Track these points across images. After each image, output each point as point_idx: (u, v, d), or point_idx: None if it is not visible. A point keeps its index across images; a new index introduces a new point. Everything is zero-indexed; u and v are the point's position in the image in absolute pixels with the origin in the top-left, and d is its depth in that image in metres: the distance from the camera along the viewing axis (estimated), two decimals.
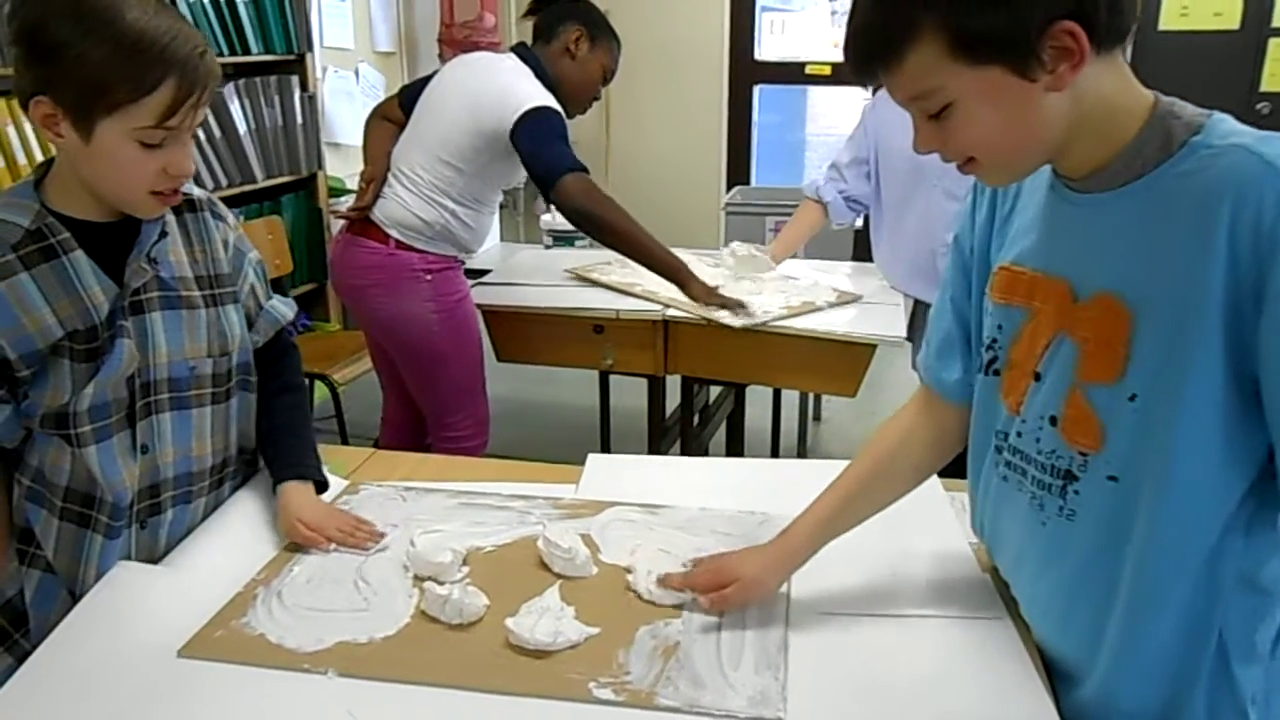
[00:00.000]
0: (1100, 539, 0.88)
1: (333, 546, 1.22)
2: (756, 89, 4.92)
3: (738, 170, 4.93)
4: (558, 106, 2.13)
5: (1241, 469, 0.82)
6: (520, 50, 2.26)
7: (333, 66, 3.94)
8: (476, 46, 3.98)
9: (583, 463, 1.47)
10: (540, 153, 2.08)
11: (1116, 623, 0.88)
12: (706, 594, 1.07)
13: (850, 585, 1.13)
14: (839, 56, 4.55)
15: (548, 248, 3.12)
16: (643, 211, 4.69)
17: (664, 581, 1.11)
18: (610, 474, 1.43)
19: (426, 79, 2.32)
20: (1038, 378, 0.92)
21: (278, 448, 1.31)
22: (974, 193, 1.05)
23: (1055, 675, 0.97)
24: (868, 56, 0.85)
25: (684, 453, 2.56)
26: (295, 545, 1.22)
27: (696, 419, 2.72)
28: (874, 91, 2.25)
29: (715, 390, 2.92)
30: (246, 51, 3.21)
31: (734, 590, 1.07)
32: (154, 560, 1.19)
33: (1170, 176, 0.80)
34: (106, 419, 1.13)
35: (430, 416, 2.35)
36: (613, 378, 2.84)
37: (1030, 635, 1.02)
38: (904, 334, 2.17)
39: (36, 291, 1.06)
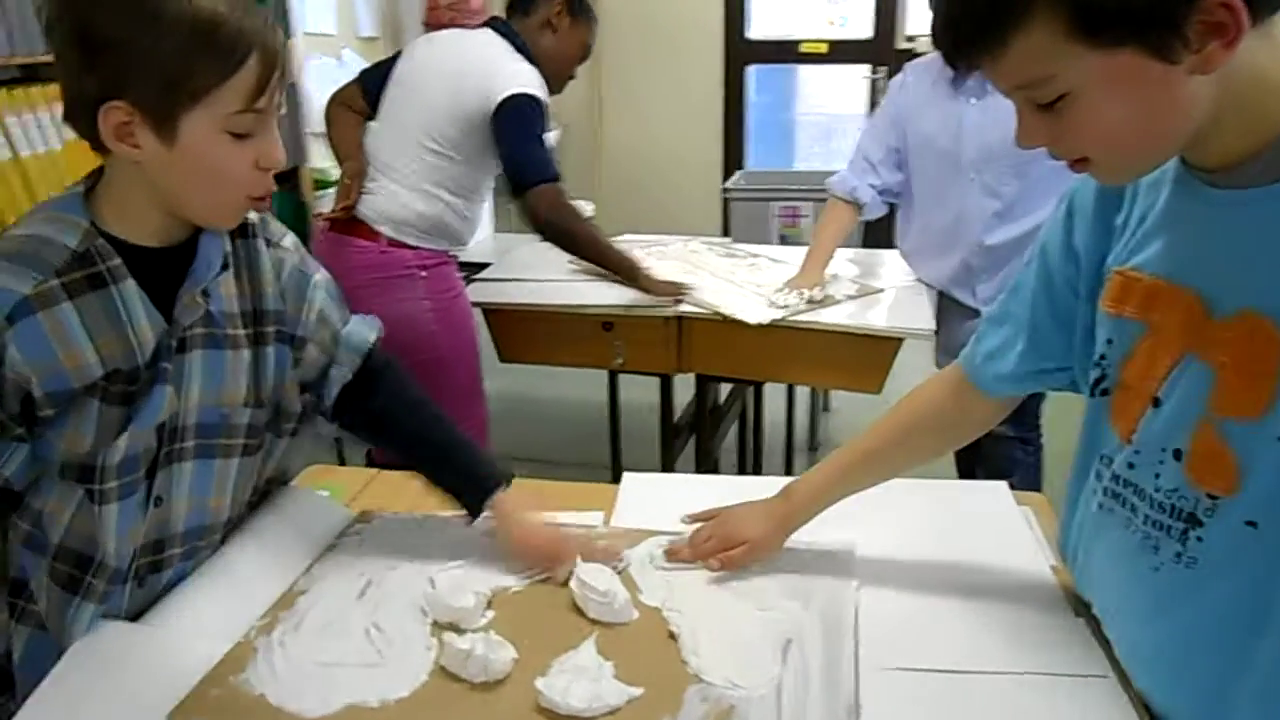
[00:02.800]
0: (1232, 590, 0.76)
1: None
2: (750, 69, 4.80)
3: (732, 154, 4.80)
4: (544, 94, 2.03)
5: None
6: (496, 24, 2.13)
7: (315, 53, 3.78)
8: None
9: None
10: (519, 152, 2.00)
11: (1253, 683, 0.76)
12: (715, 559, 1.10)
13: (924, 634, 1.01)
14: (836, 34, 4.37)
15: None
16: (639, 198, 4.63)
17: (672, 555, 1.13)
18: (647, 496, 1.30)
19: (388, 62, 2.20)
20: (1156, 403, 0.80)
21: (459, 462, 1.18)
22: (1069, 200, 0.93)
23: None
24: (966, 37, 0.72)
25: (699, 452, 2.45)
26: (300, 587, 1.10)
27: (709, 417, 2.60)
28: (962, 75, 2.04)
29: (724, 386, 2.81)
30: None
31: (742, 552, 1.10)
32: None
33: None
34: (134, 473, 0.99)
35: None
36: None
37: (1132, 689, 0.90)
38: (933, 326, 2.05)
39: (79, 325, 0.92)
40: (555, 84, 2.17)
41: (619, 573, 1.10)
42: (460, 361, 2.17)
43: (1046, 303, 0.96)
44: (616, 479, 2.54)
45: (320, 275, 1.15)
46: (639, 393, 2.62)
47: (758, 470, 2.75)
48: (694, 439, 2.48)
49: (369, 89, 2.19)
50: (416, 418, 1.21)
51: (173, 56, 0.86)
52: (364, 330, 1.19)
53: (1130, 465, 0.83)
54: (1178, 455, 0.78)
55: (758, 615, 1.05)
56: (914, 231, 2.30)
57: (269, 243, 1.09)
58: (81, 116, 0.89)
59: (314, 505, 1.24)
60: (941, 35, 0.74)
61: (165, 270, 0.98)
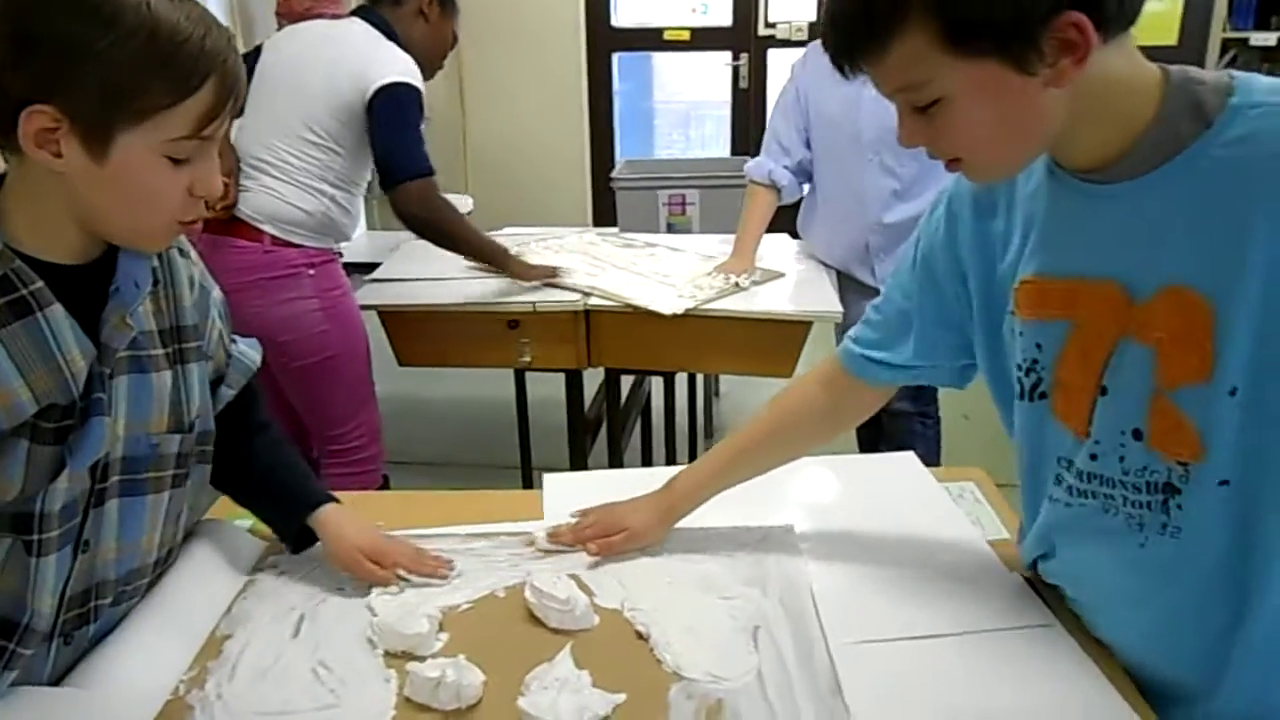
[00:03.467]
0: (1219, 551, 0.80)
1: (400, 573, 1.08)
2: (615, 56, 4.78)
3: (600, 141, 4.77)
4: (420, 84, 1.99)
5: None
6: (366, 14, 2.07)
7: None
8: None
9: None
10: (392, 144, 1.96)
11: (1251, 634, 0.80)
12: (594, 543, 1.12)
13: (879, 606, 1.03)
14: (699, 21, 4.38)
15: None
16: (509, 189, 4.54)
17: (555, 537, 1.15)
18: (573, 497, 1.24)
19: (251, 55, 2.10)
20: (1104, 391, 0.83)
21: (284, 484, 1.13)
22: (946, 206, 0.97)
23: (1162, 696, 0.88)
24: (849, 43, 0.78)
25: (610, 447, 2.42)
26: (224, 631, 1.01)
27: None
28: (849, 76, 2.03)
29: (626, 378, 2.78)
30: None
31: (620, 539, 1.13)
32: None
33: (1218, 146, 0.74)
34: (73, 518, 0.89)
35: (318, 428, 2.16)
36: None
37: (1087, 638, 0.94)
38: (839, 307, 2.09)
39: (7, 359, 0.81)
40: (426, 73, 2.13)
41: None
42: (352, 361, 2.11)
43: (935, 307, 1.00)
44: (526, 479, 2.51)
45: (217, 292, 1.09)
46: (542, 388, 2.57)
47: (672, 461, 2.74)
48: (604, 434, 2.45)
49: None
50: (258, 437, 1.15)
51: (124, 69, 0.77)
52: (251, 353, 1.15)
53: (1093, 457, 0.85)
54: (1137, 435, 0.81)
55: (720, 605, 1.04)
56: (818, 213, 2.33)
57: (180, 251, 1.01)
58: (4, 119, 0.78)
59: (236, 539, 1.15)
60: (830, 38, 0.79)
61: (86, 290, 0.88)
